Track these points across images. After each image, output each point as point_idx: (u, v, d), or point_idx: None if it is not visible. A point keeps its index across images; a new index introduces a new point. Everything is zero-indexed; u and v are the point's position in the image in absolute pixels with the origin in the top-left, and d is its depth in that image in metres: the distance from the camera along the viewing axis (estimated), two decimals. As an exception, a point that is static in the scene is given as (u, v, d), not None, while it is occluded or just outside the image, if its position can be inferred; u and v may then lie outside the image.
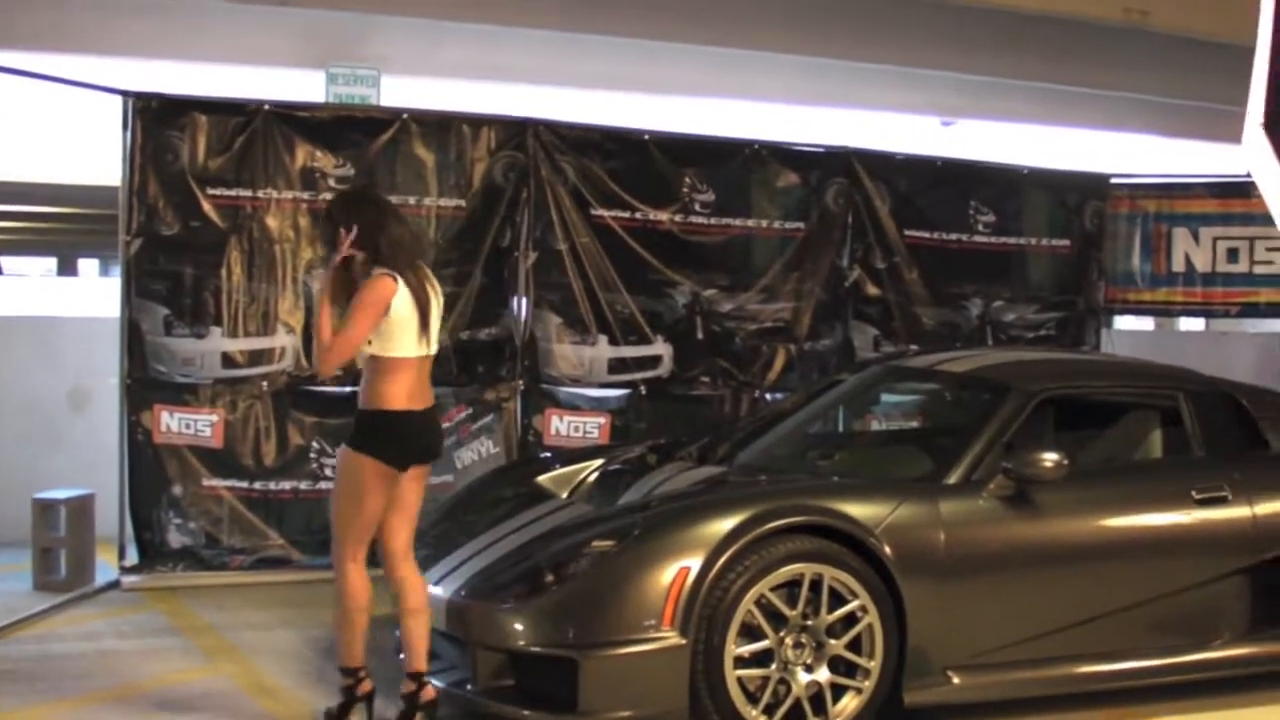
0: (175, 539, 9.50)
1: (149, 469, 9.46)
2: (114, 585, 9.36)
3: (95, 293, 17.43)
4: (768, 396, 10.64)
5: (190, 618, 8.68)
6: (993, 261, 11.63)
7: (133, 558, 9.47)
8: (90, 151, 11.27)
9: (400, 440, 6.44)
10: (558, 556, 6.58)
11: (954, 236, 11.46)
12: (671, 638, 6.17)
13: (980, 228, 11.55)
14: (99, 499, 9.59)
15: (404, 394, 6.43)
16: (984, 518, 6.86)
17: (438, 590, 6.68)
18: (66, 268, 37.80)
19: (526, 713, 6.31)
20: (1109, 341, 12.24)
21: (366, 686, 6.45)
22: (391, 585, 6.51)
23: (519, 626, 6.36)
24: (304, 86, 12.16)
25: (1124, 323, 15.55)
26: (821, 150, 11.08)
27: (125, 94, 9.34)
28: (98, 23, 11.76)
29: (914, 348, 10.71)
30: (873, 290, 11.08)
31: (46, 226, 30.20)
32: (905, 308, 11.17)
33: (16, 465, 10.50)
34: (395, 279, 6.34)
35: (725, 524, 6.34)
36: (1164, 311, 14.08)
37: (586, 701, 6.16)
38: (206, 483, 9.55)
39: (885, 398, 9.58)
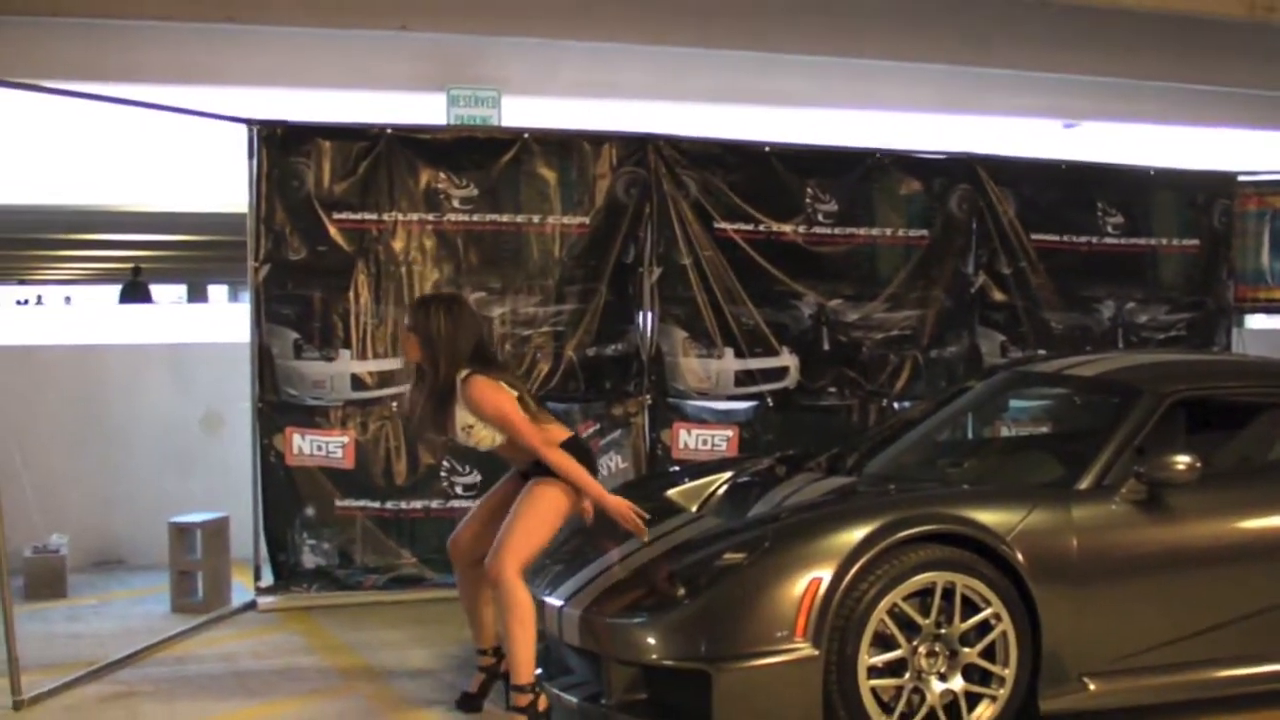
0: (309, 560, 9.63)
1: (282, 491, 9.60)
2: (250, 606, 9.50)
3: (224, 318, 17.59)
4: (895, 405, 10.59)
5: (325, 637, 8.78)
6: (1124, 263, 11.48)
7: (268, 579, 9.62)
8: (219, 180, 11.40)
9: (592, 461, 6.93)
10: (689, 570, 6.60)
11: (1084, 239, 11.33)
12: (804, 649, 6.17)
13: (1110, 229, 11.41)
14: (234, 522, 9.74)
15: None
16: (1117, 522, 6.80)
17: (571, 607, 6.72)
18: (197, 294, 38.38)
19: (661, 726, 6.36)
20: (1239, 341, 12.06)
21: (544, 703, 6.57)
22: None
23: (651, 640, 6.38)
24: (425, 109, 12.26)
25: (1255, 321, 15.31)
26: (944, 157, 11.02)
27: (250, 123, 9.48)
28: (222, 55, 11.92)
29: (1042, 353, 10.62)
30: (999, 296, 10.99)
31: (178, 254, 30.70)
32: (1033, 313, 11.07)
33: (153, 490, 10.71)
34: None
35: (856, 534, 6.34)
36: (1295, 309, 13.87)
37: (720, 714, 6.17)
38: (339, 503, 9.67)
39: (1014, 404, 9.51)
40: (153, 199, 20.82)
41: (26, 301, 34.54)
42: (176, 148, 15.23)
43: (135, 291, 26.71)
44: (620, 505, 6.82)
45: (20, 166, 16.86)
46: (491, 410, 6.68)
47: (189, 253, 29.26)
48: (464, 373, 6.71)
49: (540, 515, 6.73)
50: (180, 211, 22.27)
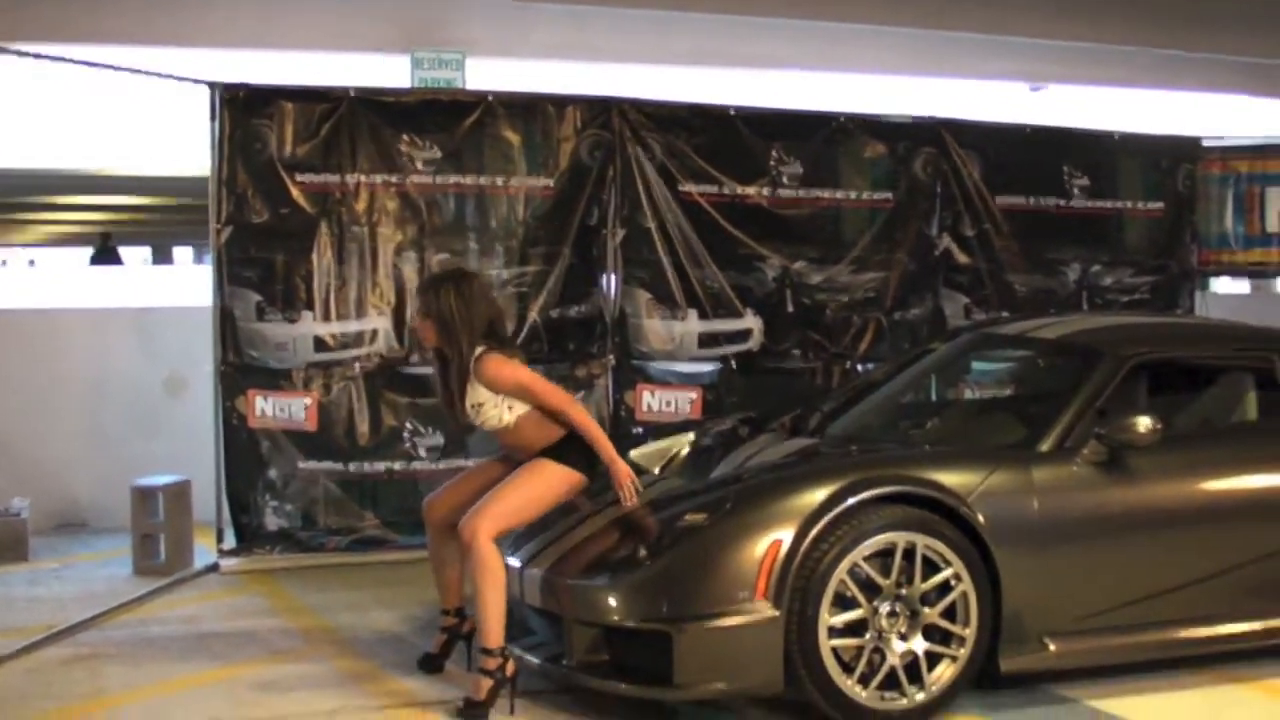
0: (272, 522, 9.61)
1: (245, 453, 9.57)
2: (213, 569, 9.48)
3: (191, 280, 17.52)
4: (859, 367, 10.60)
5: (288, 599, 8.77)
6: (1089, 226, 11.53)
7: (230, 541, 9.60)
8: (184, 143, 11.33)
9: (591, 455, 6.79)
10: (651, 531, 6.60)
11: (1050, 202, 11.36)
12: (765, 610, 6.17)
13: (1076, 192, 11.45)
14: (197, 484, 9.71)
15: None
16: (1078, 484, 6.81)
17: (532, 568, 6.71)
18: (161, 256, 38.23)
19: (623, 686, 6.35)
20: (1203, 304, 12.11)
21: (511, 668, 6.54)
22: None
23: (613, 601, 6.37)
24: (389, 72, 12.19)
25: (1218, 285, 15.36)
26: (909, 120, 11.00)
27: (212, 85, 9.43)
28: (183, 15, 11.80)
29: (1005, 315, 10.64)
30: (963, 258, 11.01)
31: (143, 218, 30.55)
32: (997, 275, 11.09)
33: (116, 453, 10.65)
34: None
35: (817, 495, 6.33)
36: (1259, 273, 13.92)
37: (681, 674, 6.17)
38: (302, 465, 9.64)
39: (977, 365, 9.53)
40: (118, 162, 20.71)
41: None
42: (143, 111, 15.16)
43: (106, 256, 26.84)
44: (625, 473, 6.80)
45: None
46: (510, 383, 6.69)
47: (154, 216, 29.15)
48: (479, 350, 6.69)
49: (534, 490, 6.70)
50: (146, 175, 22.16)
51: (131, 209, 28.57)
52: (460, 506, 6.87)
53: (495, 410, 6.73)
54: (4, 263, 34.79)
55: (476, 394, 6.71)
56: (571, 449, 6.80)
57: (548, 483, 6.74)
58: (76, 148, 18.72)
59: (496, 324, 6.89)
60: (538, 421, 6.79)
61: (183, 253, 39.07)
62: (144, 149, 18.71)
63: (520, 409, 6.76)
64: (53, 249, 38.07)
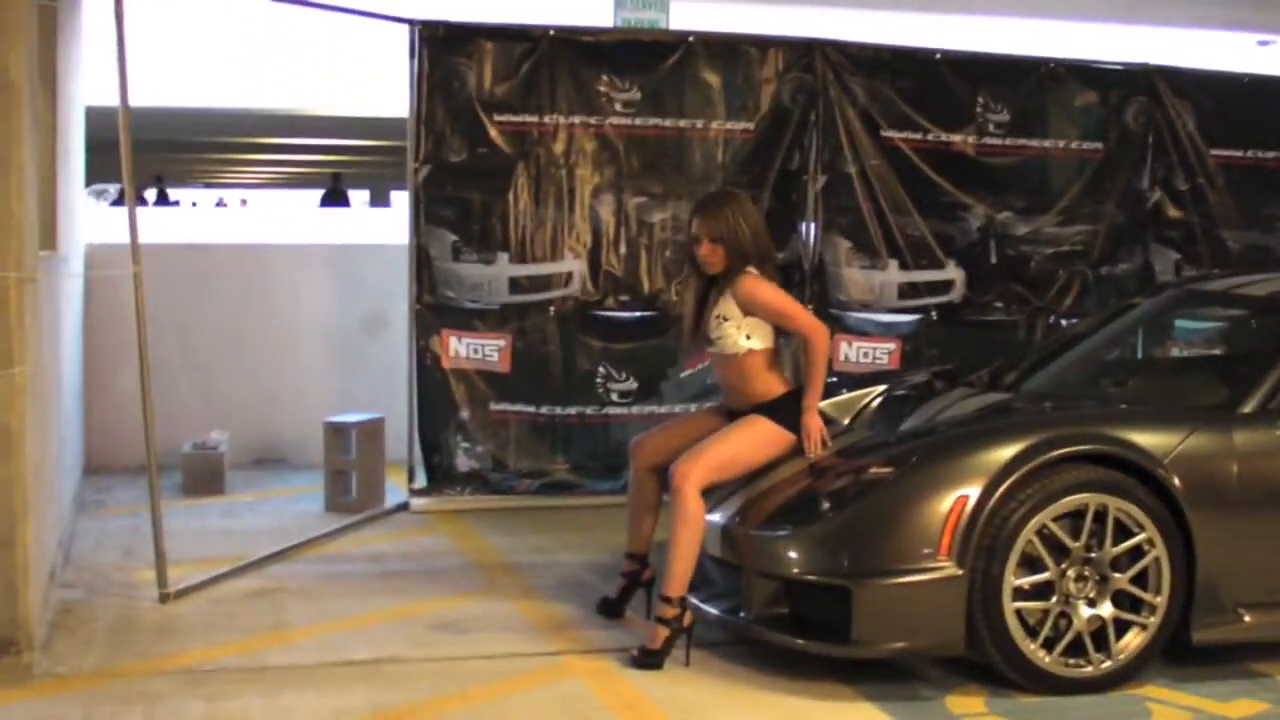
0: (463, 463, 9.66)
1: (438, 394, 9.62)
2: (403, 507, 9.56)
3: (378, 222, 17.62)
4: (1063, 322, 10.35)
5: (475, 540, 8.81)
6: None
7: (421, 481, 9.67)
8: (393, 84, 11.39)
9: None
10: (835, 483, 6.48)
11: (1270, 155, 10.95)
12: (948, 567, 6.02)
13: (1299, 144, 11.05)
14: (390, 423, 9.77)
15: None
16: (1280, 449, 6.55)
17: (714, 517, 6.63)
18: (379, 199, 38.67)
19: (800, 641, 6.25)
20: None
21: (689, 618, 6.49)
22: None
23: (793, 554, 6.28)
24: (591, 12, 12.12)
25: None
26: (1121, 67, 10.67)
27: (411, 23, 9.44)
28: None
29: (1215, 271, 10.31)
30: (1174, 212, 10.66)
31: (360, 159, 30.89)
32: (1210, 230, 10.72)
33: (313, 390, 10.78)
34: None
35: (1006, 452, 6.16)
36: None
37: (860, 631, 6.06)
38: (494, 407, 9.67)
39: (1181, 323, 9.24)
40: (333, 104, 20.93)
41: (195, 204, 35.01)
42: (358, 52, 15.29)
43: (335, 198, 27.40)
44: (818, 427, 6.76)
45: (195, 69, 17.00)
46: (765, 302, 6.71)
47: (371, 158, 29.44)
48: (741, 273, 6.71)
49: (749, 445, 6.68)
50: (359, 116, 22.35)
51: (348, 150, 28.90)
52: (668, 451, 6.87)
53: (736, 332, 6.72)
54: (222, 202, 35.39)
55: (726, 306, 6.72)
56: (788, 408, 6.77)
57: (763, 440, 6.70)
58: (291, 89, 18.93)
59: (767, 244, 6.91)
60: (766, 365, 6.80)
61: (401, 196, 39.46)
62: (359, 90, 18.87)
63: (756, 342, 6.74)
64: (268, 190, 38.65)
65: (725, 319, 6.71)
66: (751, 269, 6.72)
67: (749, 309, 6.70)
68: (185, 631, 6.86)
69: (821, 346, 6.77)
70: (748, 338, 6.72)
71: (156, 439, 7.37)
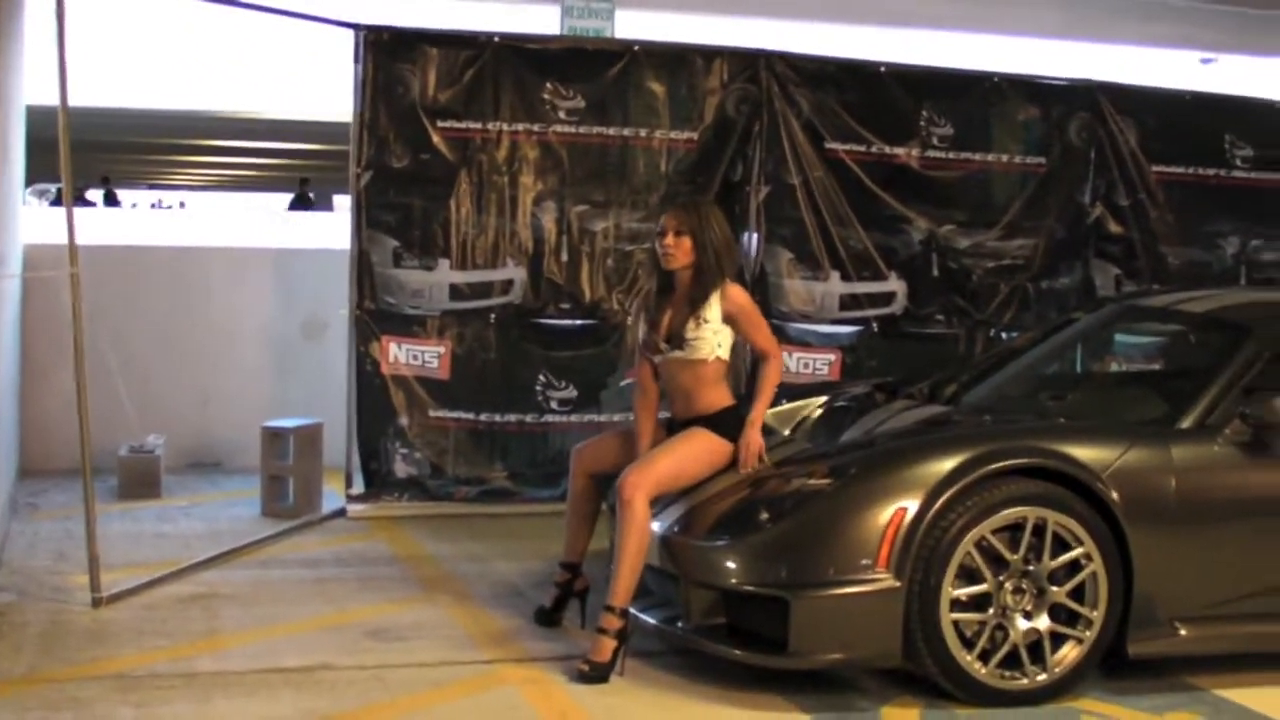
0: (401, 469, 9.62)
1: (377, 399, 9.57)
2: (340, 513, 9.51)
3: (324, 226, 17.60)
4: (1003, 335, 10.39)
5: (412, 547, 8.76)
6: (1252, 198, 11.16)
7: (359, 487, 9.62)
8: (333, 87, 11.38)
9: None
10: (773, 494, 6.47)
11: (1210, 172, 11.03)
12: (886, 579, 6.02)
13: (1238, 163, 11.10)
14: (328, 428, 9.72)
15: None
16: (1218, 464, 6.56)
17: (653, 526, 6.60)
18: (323, 203, 38.54)
19: (737, 652, 6.23)
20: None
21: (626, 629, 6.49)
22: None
23: (731, 565, 6.27)
24: (538, 20, 12.13)
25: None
26: (1064, 83, 10.73)
27: (356, 27, 9.41)
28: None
29: (1156, 287, 10.37)
30: (1115, 228, 10.73)
31: (289, 163, 30.80)
32: (1150, 246, 10.80)
33: (251, 394, 10.72)
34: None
35: (945, 464, 6.16)
36: None
37: (797, 642, 6.04)
38: (433, 414, 9.64)
39: (1121, 338, 9.28)
40: (263, 106, 20.88)
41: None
42: (292, 53, 15.25)
43: (303, 203, 27.58)
44: (756, 444, 6.77)
45: (131, 70, 16.92)
46: (749, 313, 6.82)
47: (310, 161, 29.38)
48: (725, 280, 6.77)
49: (696, 457, 6.69)
50: (298, 119, 22.31)
51: (287, 154, 28.83)
52: (609, 460, 6.93)
53: (713, 338, 6.73)
54: (160, 203, 35.21)
55: (710, 317, 6.72)
56: (731, 422, 6.79)
57: (708, 452, 6.72)
58: (235, 91, 18.88)
59: (735, 254, 7.10)
60: (721, 375, 6.86)
61: (344, 200, 39.34)
62: (301, 93, 18.82)
63: (725, 351, 6.80)
64: (212, 192, 38.45)
65: (706, 321, 6.71)
66: (727, 280, 6.78)
67: (731, 316, 6.74)
68: (117, 637, 6.78)
69: (779, 368, 6.90)
70: (719, 345, 6.76)
71: (92, 442, 7.30)
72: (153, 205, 34.83)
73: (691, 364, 6.76)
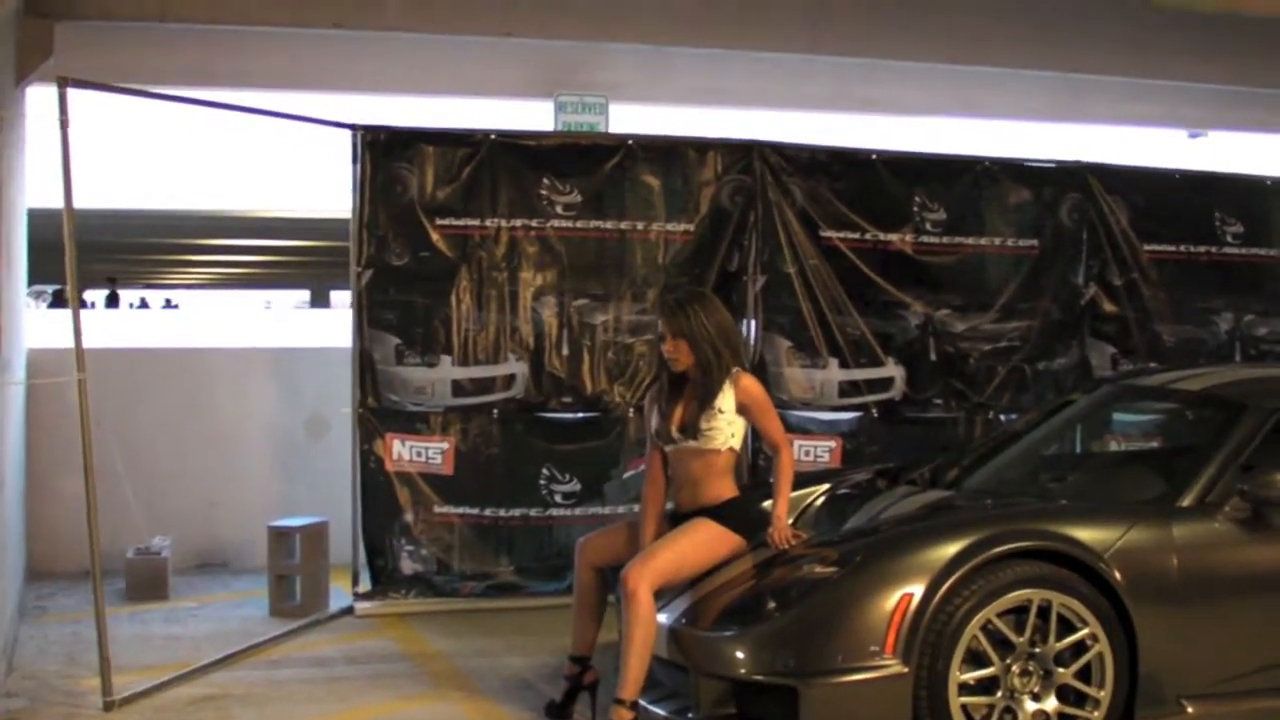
0: (408, 565, 9.63)
1: (382, 497, 9.59)
2: (347, 611, 9.52)
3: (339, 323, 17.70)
4: (1002, 417, 10.42)
5: (421, 644, 8.77)
6: (1243, 274, 11.22)
7: (366, 584, 9.63)
8: (336, 186, 11.50)
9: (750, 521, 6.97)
10: (779, 583, 6.50)
11: (1201, 249, 11.09)
12: (894, 665, 6.05)
13: (1229, 239, 11.16)
14: (334, 526, 9.75)
15: None
16: (1219, 541, 6.62)
17: (661, 618, 6.62)
18: (319, 299, 38.70)
19: (749, 742, 6.26)
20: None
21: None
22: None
23: (740, 654, 6.29)
24: (533, 116, 12.25)
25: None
26: (1054, 165, 10.81)
27: (354, 128, 9.49)
28: (329, 61, 11.98)
29: (1152, 366, 10.42)
30: (1110, 307, 10.77)
31: (299, 260, 30.95)
32: (1145, 325, 10.84)
33: (258, 494, 10.73)
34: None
35: (949, 549, 6.21)
36: None
37: (808, 730, 6.07)
38: (438, 510, 9.65)
39: (1119, 417, 9.33)
40: (272, 204, 20.99)
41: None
42: (293, 155, 15.36)
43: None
44: (784, 533, 6.84)
45: (131, 172, 17.04)
46: (763, 401, 6.92)
47: (310, 258, 29.51)
48: (735, 369, 6.85)
49: (698, 549, 6.73)
50: (300, 217, 22.41)
51: (285, 251, 28.95)
52: (614, 552, 6.98)
53: (727, 428, 6.81)
54: (144, 303, 35.39)
55: (725, 407, 6.79)
56: (736, 512, 6.86)
57: (711, 543, 6.75)
58: (227, 190, 18.98)
59: (737, 340, 7.08)
60: (730, 466, 6.93)
61: (341, 296, 39.59)
62: (296, 192, 18.92)
63: (736, 441, 6.87)
64: (203, 291, 38.63)
65: (721, 412, 6.78)
66: (739, 368, 6.86)
67: (744, 406, 6.82)
68: (129, 741, 6.81)
69: (791, 458, 6.99)
70: (732, 435, 6.82)
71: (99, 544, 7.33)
72: (165, 304, 35.06)
73: (704, 454, 6.81)
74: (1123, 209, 10.79)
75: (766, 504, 7.13)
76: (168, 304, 35.21)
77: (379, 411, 9.57)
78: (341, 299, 39.51)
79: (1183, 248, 11.04)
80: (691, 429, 6.80)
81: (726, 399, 6.77)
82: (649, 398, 7.17)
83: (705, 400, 6.78)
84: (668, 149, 10.04)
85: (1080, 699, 6.25)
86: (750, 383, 6.88)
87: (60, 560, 10.23)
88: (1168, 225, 10.97)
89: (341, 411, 9.80)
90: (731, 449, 6.85)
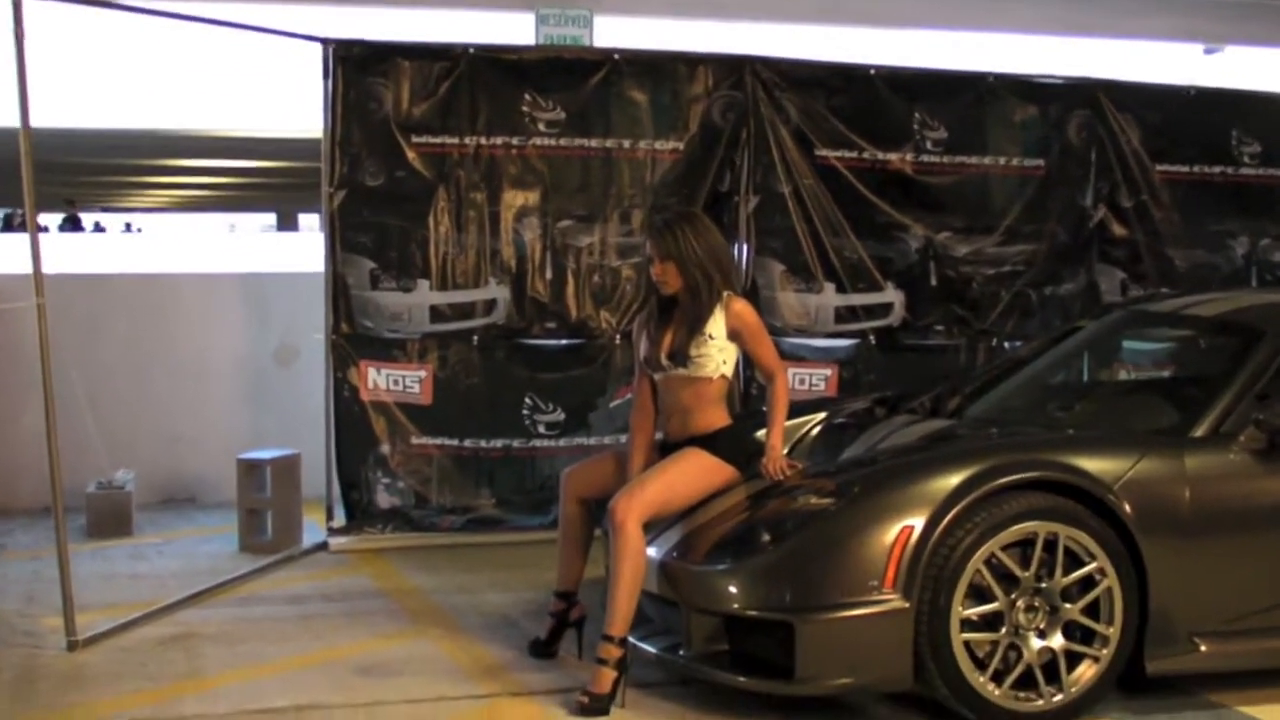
0: (384, 499, 9.67)
1: (356, 427, 9.62)
2: (321, 547, 9.56)
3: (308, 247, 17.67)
4: (1006, 345, 10.45)
5: (398, 580, 8.81)
6: (1261, 196, 11.22)
7: (340, 519, 9.67)
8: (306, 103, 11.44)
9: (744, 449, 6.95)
10: (774, 515, 6.52)
11: (1216, 169, 11.10)
12: (894, 600, 6.07)
13: (1246, 159, 11.17)
14: (306, 459, 9.77)
15: None
16: (1234, 472, 6.63)
17: (651, 551, 6.64)
18: (286, 223, 38.60)
19: (742, 679, 6.27)
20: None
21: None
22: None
23: (733, 589, 6.31)
24: (514, 29, 12.18)
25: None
26: (1061, 81, 10.81)
27: (325, 41, 9.45)
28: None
29: (1163, 291, 10.44)
30: (1119, 230, 10.79)
31: (265, 181, 30.84)
32: (1156, 248, 10.86)
33: (224, 425, 10.75)
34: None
35: (951, 480, 6.22)
36: None
37: (804, 667, 6.09)
38: (415, 441, 9.69)
39: (1129, 345, 9.34)
40: (239, 123, 20.88)
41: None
42: (261, 70, 15.28)
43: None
44: (779, 463, 6.82)
45: (90, 89, 16.94)
46: (755, 326, 6.85)
47: (275, 180, 29.40)
48: (726, 293, 6.80)
49: (689, 479, 6.72)
50: (268, 136, 22.30)
51: (251, 172, 28.85)
52: (600, 484, 6.98)
53: (718, 355, 6.77)
54: (130, 226, 35.29)
55: (716, 333, 6.76)
56: (728, 441, 6.84)
57: (702, 473, 6.74)
58: (191, 108, 18.88)
59: (728, 262, 7.04)
60: (721, 394, 6.90)
61: (309, 220, 39.45)
62: (263, 109, 18.82)
63: (729, 368, 6.85)
64: (168, 214, 38.51)
65: (711, 338, 6.75)
66: (731, 292, 6.83)
67: (736, 332, 6.78)
68: (95, 681, 6.81)
69: (786, 386, 6.94)
70: (724, 362, 6.80)
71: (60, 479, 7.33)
72: (125, 228, 34.94)
73: (694, 381, 6.81)
74: (1134, 127, 10.77)
75: (760, 433, 7.13)
76: (127, 228, 35.06)
77: (353, 338, 9.58)
78: (309, 223, 39.51)
79: (1197, 168, 11.05)
80: (681, 356, 6.79)
81: (717, 324, 6.76)
82: (637, 323, 7.17)
83: (695, 326, 6.76)
84: (655, 63, 10.02)
85: (1088, 636, 6.28)
86: (742, 307, 6.84)
87: (19, 496, 10.27)
88: (1181, 145, 10.97)
89: (314, 338, 9.81)
90: (724, 376, 6.83)
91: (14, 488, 10.27)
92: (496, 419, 9.81)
